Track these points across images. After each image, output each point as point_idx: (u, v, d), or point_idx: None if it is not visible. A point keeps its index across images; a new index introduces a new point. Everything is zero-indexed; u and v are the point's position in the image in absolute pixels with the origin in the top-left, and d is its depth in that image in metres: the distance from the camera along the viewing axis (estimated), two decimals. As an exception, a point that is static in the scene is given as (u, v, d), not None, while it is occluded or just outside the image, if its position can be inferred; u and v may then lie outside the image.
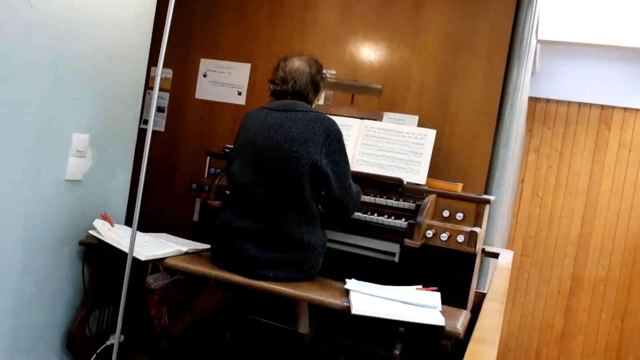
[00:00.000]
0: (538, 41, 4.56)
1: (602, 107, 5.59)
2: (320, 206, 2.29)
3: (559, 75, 5.66)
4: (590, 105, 5.63)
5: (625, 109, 5.56)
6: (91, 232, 2.37)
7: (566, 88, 5.66)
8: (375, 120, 2.86)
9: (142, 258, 2.19)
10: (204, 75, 3.57)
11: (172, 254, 2.31)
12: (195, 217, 2.89)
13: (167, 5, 1.93)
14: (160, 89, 3.54)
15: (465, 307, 2.38)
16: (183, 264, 2.25)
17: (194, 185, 2.80)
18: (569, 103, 5.68)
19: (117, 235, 2.31)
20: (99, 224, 2.37)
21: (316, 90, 2.33)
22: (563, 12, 4.62)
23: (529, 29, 2.98)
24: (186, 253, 2.39)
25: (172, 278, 2.65)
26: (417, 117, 2.89)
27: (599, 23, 4.60)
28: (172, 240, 2.55)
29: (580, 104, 5.65)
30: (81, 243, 2.40)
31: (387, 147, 2.73)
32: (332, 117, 2.28)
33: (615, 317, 5.48)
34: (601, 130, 5.61)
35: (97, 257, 2.44)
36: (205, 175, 2.97)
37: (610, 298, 5.48)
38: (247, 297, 2.87)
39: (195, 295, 2.49)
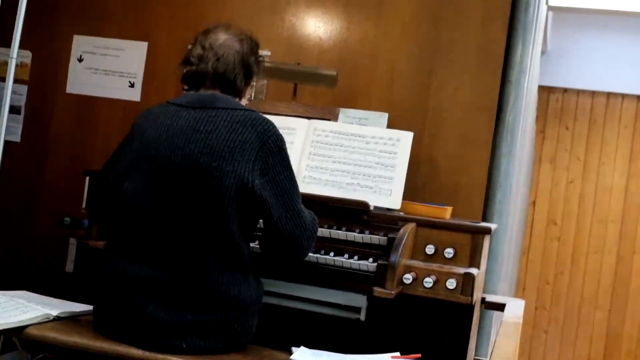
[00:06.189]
0: (549, 7, 4.72)
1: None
2: (259, 245, 2.30)
3: (579, 56, 5.83)
4: (623, 96, 5.81)
5: (669, 100, 5.78)
6: None
7: (589, 73, 5.82)
8: (329, 120, 2.91)
9: (-9, 327, 2.14)
10: (79, 60, 3.54)
11: (35, 321, 2.27)
12: (69, 266, 2.85)
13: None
14: (15, 81, 3.48)
15: (460, 381, 2.43)
16: (52, 335, 2.21)
17: (67, 220, 2.77)
18: (593, 93, 5.86)
19: (-48, 296, 2.26)
20: None
21: (248, 76, 2.36)
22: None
23: (537, -8, 3.11)
24: (57, 318, 2.35)
25: (36, 358, 2.60)
26: (386, 115, 2.95)
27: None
28: (35, 300, 2.51)
29: (609, 95, 5.84)
30: None
31: (346, 158, 2.77)
32: (267, 116, 2.31)
33: (666, 389, 5.66)
34: (639, 130, 5.81)
35: None
36: (84, 205, 2.94)
37: (659, 363, 5.66)
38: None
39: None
